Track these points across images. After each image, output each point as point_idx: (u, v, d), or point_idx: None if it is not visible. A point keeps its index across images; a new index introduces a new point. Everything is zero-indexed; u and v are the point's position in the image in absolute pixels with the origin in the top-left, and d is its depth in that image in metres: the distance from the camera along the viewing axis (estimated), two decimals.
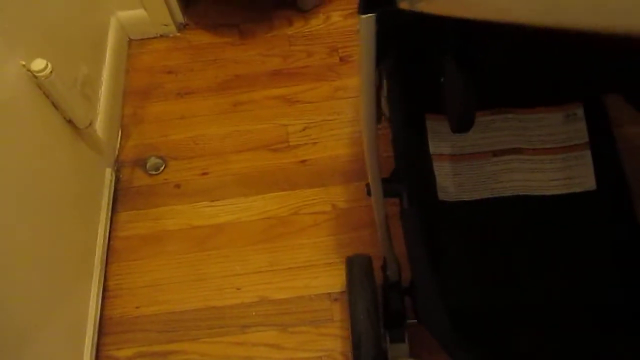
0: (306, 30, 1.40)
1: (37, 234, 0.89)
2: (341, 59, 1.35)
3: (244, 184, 1.18)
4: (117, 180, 1.21)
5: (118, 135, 1.27)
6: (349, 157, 1.19)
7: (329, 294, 1.04)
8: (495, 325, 0.75)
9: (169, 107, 1.31)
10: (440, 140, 0.87)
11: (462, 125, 0.59)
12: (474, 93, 0.56)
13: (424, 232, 0.76)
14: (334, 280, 1.05)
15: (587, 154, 0.85)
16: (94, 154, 1.13)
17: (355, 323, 0.83)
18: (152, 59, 1.39)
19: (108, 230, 1.13)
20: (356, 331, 0.82)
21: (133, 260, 1.11)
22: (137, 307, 1.06)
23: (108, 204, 1.15)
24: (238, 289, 1.06)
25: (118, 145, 1.25)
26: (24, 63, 0.89)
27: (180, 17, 1.42)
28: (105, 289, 1.07)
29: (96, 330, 1.01)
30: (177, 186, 1.19)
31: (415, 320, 0.80)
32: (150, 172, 1.22)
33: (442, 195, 0.84)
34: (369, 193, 0.71)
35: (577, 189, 0.83)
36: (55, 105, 0.97)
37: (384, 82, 0.83)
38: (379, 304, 0.85)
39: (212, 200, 1.17)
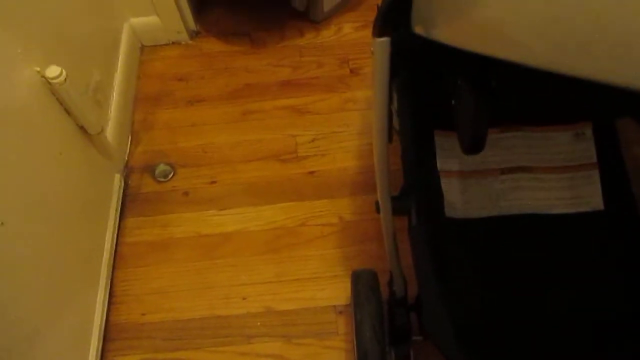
0: (317, 41, 1.41)
1: (45, 238, 0.90)
2: (351, 71, 1.35)
3: (252, 194, 1.18)
4: (126, 186, 1.21)
5: (128, 141, 1.27)
6: (357, 169, 1.20)
7: (335, 306, 1.04)
8: (501, 341, 0.75)
9: (179, 114, 1.32)
10: (449, 157, 0.87)
11: (473, 147, 0.59)
12: (486, 117, 0.57)
13: (432, 249, 0.76)
14: (340, 292, 1.05)
15: (595, 173, 0.85)
16: (104, 159, 1.14)
17: (360, 340, 0.83)
18: (164, 66, 1.40)
19: (115, 236, 1.14)
20: (362, 349, 0.82)
21: (140, 267, 1.11)
22: (143, 314, 1.06)
23: (116, 210, 1.16)
24: (244, 298, 1.06)
25: (128, 151, 1.26)
26: (38, 69, 0.90)
27: (192, 25, 1.43)
28: (111, 295, 1.08)
29: (101, 336, 1.02)
30: (186, 194, 1.20)
31: (421, 337, 0.80)
32: (159, 179, 1.22)
33: (449, 212, 0.84)
34: (378, 211, 0.72)
35: (585, 209, 0.83)
36: (67, 112, 0.98)
37: (394, 97, 0.83)
38: (384, 320, 0.85)
39: (220, 209, 1.17)
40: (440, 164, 0.87)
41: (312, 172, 1.20)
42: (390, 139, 0.62)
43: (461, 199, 0.85)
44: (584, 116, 0.88)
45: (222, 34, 1.45)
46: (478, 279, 0.80)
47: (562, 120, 0.89)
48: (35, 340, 0.83)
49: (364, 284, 0.90)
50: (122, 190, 1.19)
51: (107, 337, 1.04)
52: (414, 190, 0.77)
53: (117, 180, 1.19)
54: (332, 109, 1.29)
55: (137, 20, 1.38)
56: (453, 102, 0.62)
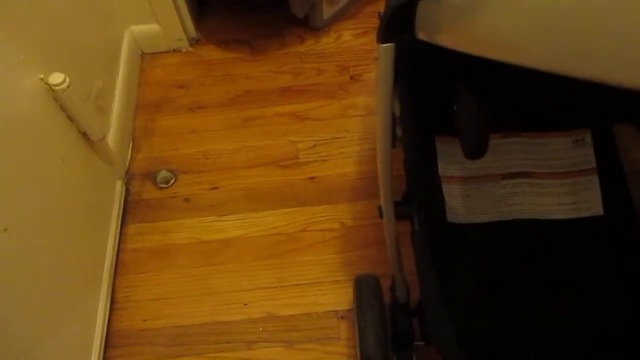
0: (317, 48, 1.42)
1: (47, 245, 0.90)
2: (351, 78, 1.36)
3: (253, 200, 1.19)
4: (127, 192, 1.22)
5: (129, 148, 1.28)
6: (358, 175, 1.20)
7: (336, 311, 1.04)
8: (503, 346, 0.75)
9: (180, 121, 1.32)
10: (450, 162, 0.88)
11: (475, 152, 0.60)
12: (488, 121, 0.57)
13: (434, 254, 0.76)
14: (341, 297, 1.05)
15: (595, 179, 0.86)
16: (106, 166, 1.14)
17: (364, 346, 0.83)
18: (164, 73, 1.41)
19: (117, 243, 1.14)
20: (365, 354, 0.82)
21: (141, 273, 1.11)
22: (144, 320, 1.06)
23: (117, 216, 1.16)
24: (245, 304, 1.06)
25: (129, 158, 1.26)
26: (42, 76, 0.91)
27: (192, 32, 1.44)
28: (112, 302, 1.08)
29: (103, 342, 1.02)
30: (187, 200, 1.20)
31: (423, 342, 0.81)
32: (160, 186, 1.23)
33: (451, 217, 0.84)
34: (381, 215, 0.72)
35: (585, 214, 0.84)
36: (70, 118, 0.99)
37: (396, 103, 0.84)
38: (387, 326, 0.86)
39: (221, 215, 1.17)
40: (441, 170, 0.87)
41: (312, 178, 1.20)
42: (393, 145, 0.62)
43: (463, 204, 0.86)
44: (583, 122, 0.89)
45: (222, 41, 1.45)
46: (480, 284, 0.81)
47: (562, 127, 0.89)
48: (37, 347, 0.83)
49: (366, 290, 0.90)
50: (123, 197, 1.20)
51: (108, 344, 1.04)
52: (417, 195, 0.77)
53: (119, 186, 1.19)
54: (332, 115, 1.30)
55: (137, 28, 1.38)
56: (454, 107, 0.62)
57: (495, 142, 0.88)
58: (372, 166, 1.20)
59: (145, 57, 1.44)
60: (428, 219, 0.79)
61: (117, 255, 1.13)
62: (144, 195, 1.22)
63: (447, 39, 0.43)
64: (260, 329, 1.04)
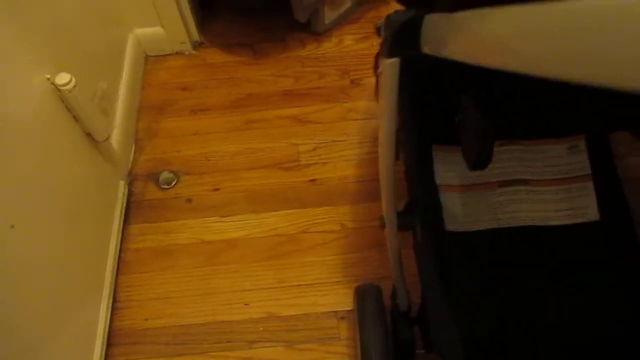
0: (319, 53, 1.44)
1: (51, 243, 0.91)
2: (352, 82, 1.38)
3: (254, 201, 1.20)
4: (130, 193, 1.23)
5: (132, 149, 1.29)
6: (358, 177, 1.22)
7: (336, 312, 1.05)
8: (504, 351, 0.76)
9: (183, 123, 1.34)
10: (447, 171, 0.89)
11: (479, 163, 0.60)
12: (492, 132, 0.58)
13: (437, 263, 0.77)
14: (341, 298, 1.06)
15: (590, 185, 0.87)
16: (109, 166, 1.16)
17: (365, 358, 0.84)
18: (168, 76, 1.42)
19: (119, 242, 1.15)
20: None
21: (143, 273, 1.12)
22: (146, 319, 1.07)
23: (120, 217, 1.17)
24: (246, 304, 1.08)
25: (132, 159, 1.28)
26: (48, 76, 0.92)
27: (196, 36, 1.46)
28: (115, 300, 1.09)
29: (105, 341, 1.03)
30: (189, 201, 1.21)
31: (424, 350, 0.81)
32: (163, 186, 1.24)
33: (449, 226, 0.85)
34: (382, 226, 0.73)
35: (581, 220, 0.85)
36: (75, 118, 1.00)
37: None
38: (389, 335, 0.86)
39: (223, 216, 1.19)
40: (439, 179, 0.88)
41: (313, 180, 1.21)
42: (397, 157, 0.63)
43: (461, 212, 0.87)
44: (578, 130, 0.90)
45: (225, 44, 1.47)
46: (480, 291, 0.82)
47: (557, 134, 0.90)
48: (40, 346, 0.84)
49: (370, 306, 0.90)
50: (126, 197, 1.21)
51: (110, 342, 1.04)
52: (419, 205, 0.78)
53: (122, 187, 1.20)
54: (333, 118, 1.31)
55: (142, 31, 1.40)
56: (456, 118, 0.63)
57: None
58: (372, 169, 1.22)
59: (149, 60, 1.46)
60: (430, 228, 0.80)
61: (120, 254, 1.14)
62: (146, 195, 1.23)
63: (455, 52, 0.43)
64: (261, 328, 1.05)
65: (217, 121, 1.33)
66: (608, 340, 0.76)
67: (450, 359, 0.67)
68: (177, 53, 1.45)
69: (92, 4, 1.21)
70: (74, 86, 0.94)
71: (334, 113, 1.32)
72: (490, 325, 0.78)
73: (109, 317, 1.05)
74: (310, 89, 1.37)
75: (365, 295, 0.92)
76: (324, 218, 1.16)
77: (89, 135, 1.05)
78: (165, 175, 1.25)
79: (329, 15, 1.43)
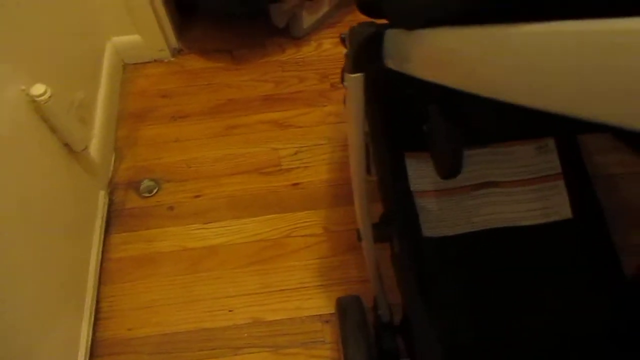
0: (298, 57, 1.44)
1: (30, 256, 0.90)
2: (332, 85, 1.38)
3: (236, 207, 1.20)
4: (111, 202, 1.22)
5: (112, 157, 1.28)
6: (339, 180, 1.22)
7: (320, 315, 1.05)
8: (487, 355, 0.77)
9: (163, 130, 1.33)
10: (421, 177, 0.89)
11: (450, 173, 0.61)
12: (460, 142, 0.59)
13: (416, 272, 0.77)
14: (325, 302, 1.06)
15: (561, 183, 0.87)
16: (88, 176, 1.15)
17: None
18: (147, 83, 1.42)
19: (101, 252, 1.14)
20: None
21: (126, 282, 1.12)
22: (129, 329, 1.06)
23: (101, 226, 1.16)
24: (230, 310, 1.07)
25: (112, 168, 1.27)
26: (23, 88, 0.91)
27: (174, 42, 1.45)
28: (97, 311, 1.08)
29: (88, 352, 1.02)
30: (171, 208, 1.21)
31: (408, 359, 0.82)
32: (144, 195, 1.23)
33: (426, 232, 0.86)
34: (359, 239, 0.73)
35: (554, 218, 0.85)
36: (52, 129, 0.99)
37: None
38: (372, 347, 0.86)
39: (205, 223, 1.18)
40: (413, 185, 0.88)
41: (295, 184, 1.22)
42: (368, 170, 0.63)
43: (437, 217, 0.87)
44: (547, 133, 0.91)
45: (204, 51, 1.47)
46: (459, 295, 0.82)
47: (526, 137, 0.91)
48: (21, 358, 0.83)
49: (351, 322, 0.90)
50: (106, 207, 1.20)
51: (93, 354, 1.03)
52: (394, 216, 0.78)
53: (102, 196, 1.19)
54: (313, 122, 1.32)
55: (119, 39, 1.39)
56: (424, 128, 0.63)
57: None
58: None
59: (128, 68, 1.45)
60: (407, 236, 0.81)
61: (102, 264, 1.13)
62: (127, 204, 1.22)
63: (414, 68, 0.43)
64: (246, 334, 1.05)
65: (197, 127, 1.33)
66: (586, 338, 0.77)
67: None
68: (155, 60, 1.45)
69: (68, 14, 1.20)
70: (50, 97, 0.93)
71: (315, 117, 1.33)
72: (471, 330, 0.79)
73: (91, 328, 1.05)
74: (290, 93, 1.37)
75: (346, 308, 0.92)
76: (306, 222, 1.16)
77: (66, 145, 1.04)
78: (146, 183, 1.25)
79: (308, 20, 1.44)
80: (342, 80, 0.60)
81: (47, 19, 1.09)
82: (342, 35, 0.65)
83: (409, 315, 0.73)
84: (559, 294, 0.80)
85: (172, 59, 1.46)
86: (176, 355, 1.03)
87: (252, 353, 1.03)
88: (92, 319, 1.06)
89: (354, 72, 0.51)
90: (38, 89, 0.92)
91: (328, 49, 1.45)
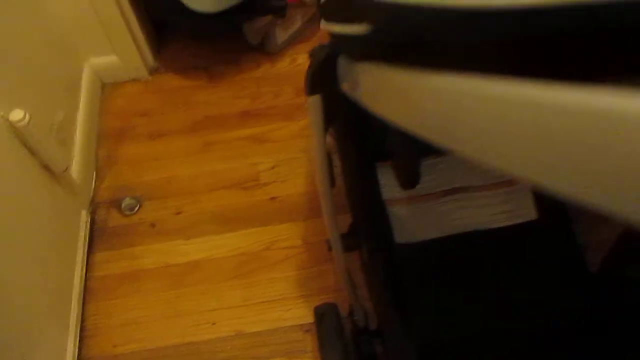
0: (273, 72, 1.47)
1: (15, 277, 0.92)
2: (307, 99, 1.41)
3: (217, 222, 1.22)
4: (93, 221, 1.24)
5: (93, 177, 1.30)
6: (316, 193, 1.24)
7: (301, 325, 1.08)
8: (461, 356, 0.80)
9: (143, 148, 1.35)
10: (393, 186, 0.92)
11: (409, 183, 0.64)
12: (417, 154, 0.62)
13: (387, 279, 0.80)
14: (305, 312, 1.09)
15: (526, 186, 0.92)
16: (70, 196, 1.17)
17: None
18: (125, 102, 1.44)
19: (84, 271, 1.16)
20: None
21: (110, 300, 1.14)
22: (114, 346, 1.08)
23: (84, 245, 1.18)
24: (213, 323, 1.10)
25: (93, 187, 1.29)
26: (2, 114, 0.93)
27: (151, 62, 1.48)
28: (82, 330, 1.10)
29: None
30: (152, 225, 1.23)
31: None
32: (126, 213, 1.25)
33: (400, 238, 0.89)
34: (330, 249, 0.76)
35: (521, 220, 0.90)
36: (32, 152, 1.01)
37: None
38: (350, 353, 0.89)
39: (187, 238, 1.21)
40: (385, 194, 0.92)
41: (273, 198, 1.25)
42: (332, 184, 0.66)
43: (409, 224, 0.90)
44: None
45: (181, 69, 1.50)
46: (433, 298, 0.85)
47: None
48: None
49: (326, 326, 0.93)
50: (89, 226, 1.22)
51: None
52: (363, 225, 0.81)
53: (84, 216, 1.21)
54: (290, 136, 1.35)
55: (97, 60, 1.42)
56: (386, 143, 0.67)
57: (430, 162, 0.93)
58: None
59: (106, 88, 1.47)
60: (377, 243, 0.84)
61: (86, 283, 1.15)
62: (109, 223, 1.24)
63: (359, 97, 0.46)
64: (229, 347, 1.07)
65: (176, 145, 1.35)
66: (555, 332, 0.80)
67: None
68: (133, 80, 1.47)
69: (45, 37, 1.22)
70: (29, 121, 0.95)
71: (291, 131, 1.36)
72: (445, 331, 0.82)
73: (77, 347, 1.06)
74: (267, 108, 1.41)
75: (323, 316, 0.95)
76: (285, 234, 1.20)
77: (46, 167, 1.06)
78: (127, 201, 1.27)
79: (281, 36, 1.47)
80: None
81: (24, 42, 1.12)
82: (310, 52, 0.67)
83: (382, 320, 0.76)
84: (528, 293, 0.84)
85: (150, 78, 1.48)
86: None
87: None
88: (78, 337, 1.08)
89: (312, 94, 0.54)
90: (17, 114, 0.94)
91: (302, 63, 1.49)
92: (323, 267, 1.15)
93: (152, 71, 1.49)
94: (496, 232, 0.88)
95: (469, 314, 0.83)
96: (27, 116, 0.95)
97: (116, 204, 1.27)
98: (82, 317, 1.11)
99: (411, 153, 0.60)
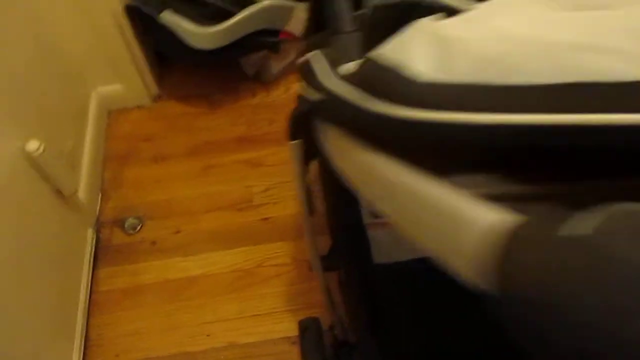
0: (269, 100, 1.58)
1: (22, 292, 1.00)
2: None
3: (213, 240, 1.32)
4: (98, 239, 1.34)
5: (98, 198, 1.40)
6: None
7: (289, 337, 1.17)
8: None
9: (146, 171, 1.46)
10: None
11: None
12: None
13: (364, 298, 0.87)
14: (293, 325, 1.17)
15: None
16: (77, 216, 1.27)
17: None
18: (130, 128, 1.55)
19: (89, 286, 1.25)
20: None
21: (113, 313, 1.23)
22: (116, 355, 1.17)
23: (89, 262, 1.28)
24: (208, 335, 1.19)
25: (98, 208, 1.39)
26: (19, 144, 1.03)
27: (154, 90, 1.59)
28: (87, 339, 1.19)
29: None
30: (153, 243, 1.33)
31: None
32: (129, 232, 1.35)
33: (377, 259, 0.95)
34: (310, 269, 0.83)
35: None
36: (45, 178, 1.11)
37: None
38: None
39: (185, 256, 1.30)
40: (366, 218, 0.98)
41: (266, 219, 1.34)
42: (312, 213, 0.75)
43: (387, 245, 0.96)
44: None
45: (182, 96, 1.60)
46: (409, 315, 0.92)
47: None
48: None
49: (308, 339, 1.00)
50: (94, 243, 1.32)
51: None
52: (342, 248, 0.88)
53: (90, 234, 1.31)
54: (283, 160, 1.45)
55: (103, 89, 1.53)
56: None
57: None
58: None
59: (112, 114, 1.58)
60: (356, 264, 0.91)
61: (90, 297, 1.24)
62: (113, 241, 1.34)
63: (331, 157, 0.51)
64: (223, 357, 1.16)
65: (177, 168, 1.46)
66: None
67: None
68: (138, 107, 1.58)
69: (56, 70, 1.33)
70: (43, 151, 1.05)
71: (284, 156, 1.45)
72: (423, 352, 0.87)
73: (81, 356, 1.15)
74: (262, 134, 1.51)
75: (306, 329, 1.01)
76: (276, 253, 1.29)
77: (57, 191, 1.16)
78: (130, 221, 1.37)
79: (276, 66, 1.58)
80: None
81: (37, 76, 1.22)
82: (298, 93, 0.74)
83: (358, 339, 0.83)
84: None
85: (153, 105, 1.59)
86: None
87: None
88: (82, 347, 1.17)
89: (293, 140, 0.62)
90: (33, 145, 1.04)
91: (296, 92, 1.58)
92: (311, 283, 1.24)
93: (156, 99, 1.60)
94: None
95: (446, 332, 0.87)
96: (42, 147, 1.05)
97: (120, 223, 1.37)
98: (86, 329, 1.20)
99: None
